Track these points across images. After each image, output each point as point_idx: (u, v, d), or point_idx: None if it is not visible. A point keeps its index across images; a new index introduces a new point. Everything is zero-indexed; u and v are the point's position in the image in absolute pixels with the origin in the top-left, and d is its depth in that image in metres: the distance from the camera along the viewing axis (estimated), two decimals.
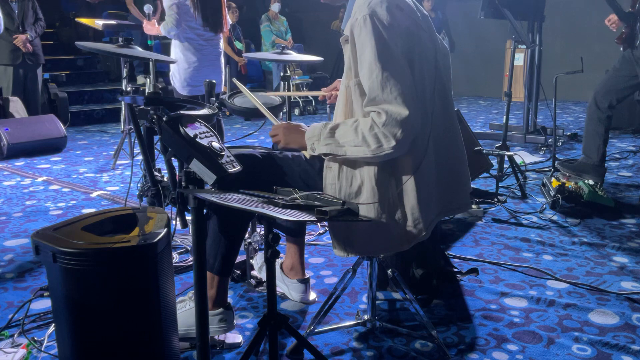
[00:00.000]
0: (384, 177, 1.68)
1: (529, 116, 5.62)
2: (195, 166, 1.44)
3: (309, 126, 1.78)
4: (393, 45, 1.60)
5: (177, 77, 3.95)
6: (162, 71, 6.89)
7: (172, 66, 3.99)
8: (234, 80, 2.40)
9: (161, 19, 4.07)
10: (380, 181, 1.67)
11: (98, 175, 4.50)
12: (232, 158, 1.53)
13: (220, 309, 1.86)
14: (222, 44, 4.17)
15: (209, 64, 4.02)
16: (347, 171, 1.70)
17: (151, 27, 4.17)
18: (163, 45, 7.29)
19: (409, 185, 1.68)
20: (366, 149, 1.61)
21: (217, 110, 2.04)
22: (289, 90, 3.36)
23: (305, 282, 2.24)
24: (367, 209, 1.67)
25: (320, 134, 1.69)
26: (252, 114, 2.43)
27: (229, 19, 4.48)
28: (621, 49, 3.70)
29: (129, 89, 4.05)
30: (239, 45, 8.16)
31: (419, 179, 1.68)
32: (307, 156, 1.79)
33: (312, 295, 2.27)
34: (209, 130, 1.57)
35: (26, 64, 5.82)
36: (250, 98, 2.13)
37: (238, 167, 1.52)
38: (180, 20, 3.82)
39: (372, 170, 1.67)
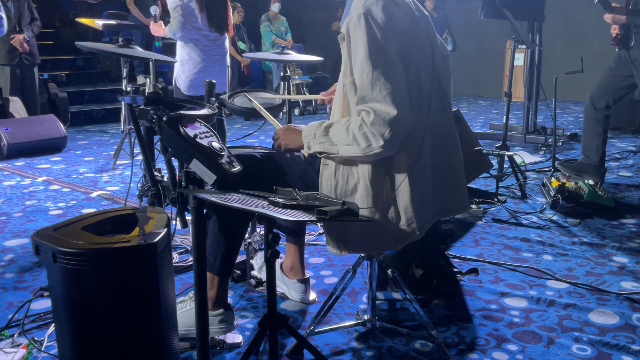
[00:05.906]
0: (378, 175, 1.68)
1: (529, 116, 5.61)
2: (195, 166, 1.44)
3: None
4: (386, 44, 1.59)
5: (182, 78, 3.92)
6: (161, 71, 6.90)
7: (176, 67, 3.97)
8: (245, 94, 2.42)
9: (161, 20, 4.07)
10: (375, 179, 1.67)
11: (98, 175, 4.50)
12: (232, 158, 1.53)
13: (221, 310, 1.86)
14: (227, 43, 4.15)
15: (215, 64, 4.00)
16: (344, 169, 1.71)
17: (157, 29, 4.16)
18: (164, 46, 7.29)
19: (404, 184, 1.68)
20: (356, 148, 1.61)
21: (217, 110, 2.04)
22: (289, 90, 3.36)
23: (305, 282, 2.24)
24: (361, 207, 1.67)
25: (316, 132, 1.70)
26: (252, 114, 2.43)
27: (233, 19, 4.47)
28: (617, 49, 3.71)
29: (129, 89, 4.04)
30: (242, 45, 8.16)
31: (413, 178, 1.68)
32: (305, 155, 1.80)
33: (312, 295, 2.27)
34: (209, 130, 1.57)
35: (23, 63, 5.81)
36: (258, 109, 2.16)
37: (238, 167, 1.52)
38: (185, 22, 3.81)
39: (367, 168, 1.67)
